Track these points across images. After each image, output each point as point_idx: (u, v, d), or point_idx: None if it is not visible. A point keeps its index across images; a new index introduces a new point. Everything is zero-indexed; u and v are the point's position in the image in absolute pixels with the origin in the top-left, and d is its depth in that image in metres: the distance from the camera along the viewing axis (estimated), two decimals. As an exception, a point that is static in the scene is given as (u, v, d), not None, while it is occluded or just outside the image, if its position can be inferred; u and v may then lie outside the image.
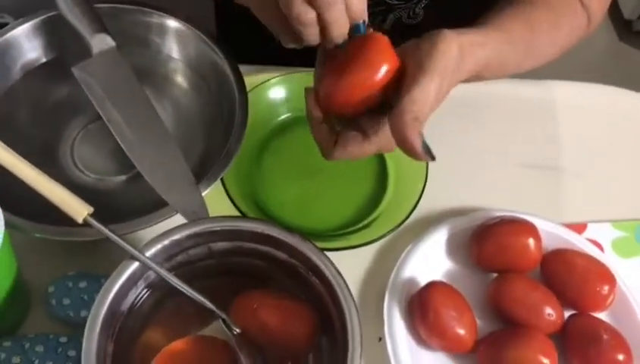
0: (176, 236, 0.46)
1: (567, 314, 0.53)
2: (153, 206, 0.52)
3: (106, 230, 0.45)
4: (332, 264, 0.46)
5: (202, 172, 0.54)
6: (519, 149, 0.65)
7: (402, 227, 0.57)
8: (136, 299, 0.46)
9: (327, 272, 0.46)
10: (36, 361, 0.48)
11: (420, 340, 0.53)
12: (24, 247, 0.49)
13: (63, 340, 0.49)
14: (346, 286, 0.45)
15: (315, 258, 0.46)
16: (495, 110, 0.67)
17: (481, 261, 0.56)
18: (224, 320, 0.46)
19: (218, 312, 0.46)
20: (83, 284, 0.52)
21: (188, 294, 0.45)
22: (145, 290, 0.47)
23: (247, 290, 0.48)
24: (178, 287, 0.45)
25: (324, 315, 0.46)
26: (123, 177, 0.59)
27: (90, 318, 0.42)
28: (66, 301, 0.51)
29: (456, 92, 0.68)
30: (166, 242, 0.46)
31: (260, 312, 0.47)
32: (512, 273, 0.54)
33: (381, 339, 0.53)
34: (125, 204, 0.57)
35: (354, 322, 0.44)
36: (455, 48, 0.46)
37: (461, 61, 0.47)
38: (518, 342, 0.50)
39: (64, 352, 0.49)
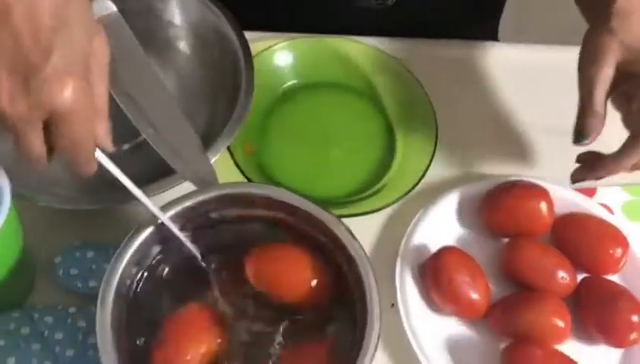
0: (188, 202, 0.45)
1: (580, 277, 0.53)
2: (159, 175, 0.51)
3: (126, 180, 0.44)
4: (348, 229, 0.46)
5: (208, 141, 0.53)
6: (529, 115, 0.64)
7: (411, 194, 0.57)
8: (148, 264, 0.45)
9: (342, 237, 0.45)
10: (46, 332, 0.47)
11: (433, 306, 0.52)
12: (30, 218, 0.48)
13: (72, 310, 0.49)
14: (363, 251, 0.45)
15: (330, 224, 0.45)
16: (507, 75, 0.67)
17: (493, 226, 0.56)
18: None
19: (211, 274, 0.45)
20: (90, 254, 0.51)
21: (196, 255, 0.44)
22: (157, 256, 0.46)
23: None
24: (187, 244, 0.44)
25: (341, 281, 0.46)
26: (125, 146, 0.58)
27: (103, 284, 0.42)
28: (74, 271, 0.50)
29: (464, 57, 0.68)
30: (179, 208, 0.45)
31: (260, 261, 0.47)
32: (524, 237, 0.54)
33: (393, 305, 0.52)
34: (129, 173, 0.56)
35: (372, 286, 0.43)
36: None
37: None
38: (531, 305, 0.50)
39: (74, 322, 0.48)
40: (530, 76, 0.67)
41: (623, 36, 0.51)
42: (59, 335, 0.47)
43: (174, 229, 0.45)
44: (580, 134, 0.53)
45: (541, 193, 0.54)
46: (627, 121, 0.54)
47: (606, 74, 0.52)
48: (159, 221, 0.45)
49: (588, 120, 0.52)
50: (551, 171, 0.60)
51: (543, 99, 0.65)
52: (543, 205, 0.54)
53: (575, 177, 0.54)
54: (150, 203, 0.44)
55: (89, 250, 0.51)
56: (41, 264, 0.51)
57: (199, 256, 0.46)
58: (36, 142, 0.38)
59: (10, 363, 0.45)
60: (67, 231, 0.53)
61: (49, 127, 0.37)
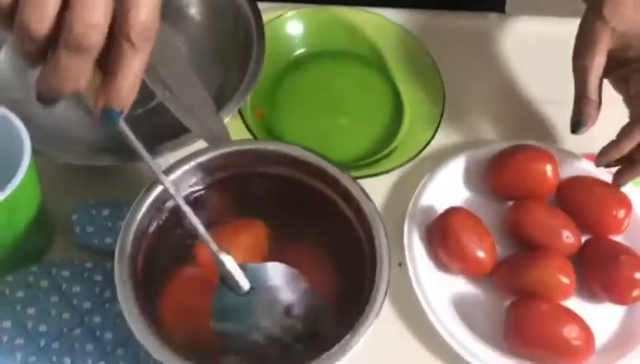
0: (202, 158, 0.46)
1: (584, 239, 0.54)
2: (171, 138, 0.52)
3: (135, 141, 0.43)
4: (358, 183, 0.47)
5: (220, 104, 0.54)
6: (536, 85, 0.65)
7: (419, 158, 0.58)
8: (163, 219, 0.47)
9: (353, 191, 0.46)
10: (64, 285, 0.49)
11: (440, 265, 0.54)
12: (47, 176, 0.49)
13: (88, 265, 0.50)
14: (373, 204, 0.46)
15: (343, 179, 0.47)
16: (515, 46, 0.68)
17: (498, 188, 0.57)
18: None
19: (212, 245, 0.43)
20: (106, 212, 0.52)
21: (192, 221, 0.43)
22: (172, 211, 0.47)
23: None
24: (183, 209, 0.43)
25: (352, 238, 0.47)
26: (138, 111, 0.59)
27: (121, 235, 0.43)
28: (90, 229, 0.51)
29: (472, 28, 0.69)
30: (192, 163, 0.46)
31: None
32: (529, 199, 0.55)
33: (401, 264, 0.54)
34: (142, 136, 0.57)
35: (382, 242, 0.45)
36: None
37: None
38: (536, 262, 0.51)
39: (91, 277, 0.49)
40: (537, 48, 0.68)
41: (615, 23, 0.53)
42: (76, 288, 0.49)
43: (172, 190, 0.43)
44: (577, 122, 0.55)
45: (546, 156, 0.56)
46: (627, 104, 0.56)
47: (598, 63, 0.54)
48: (172, 178, 0.46)
49: (583, 108, 0.55)
50: (556, 140, 0.62)
51: (550, 70, 0.66)
52: (548, 168, 0.55)
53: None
54: (152, 162, 0.43)
55: (104, 208, 0.52)
56: (58, 221, 0.53)
57: (199, 226, 0.43)
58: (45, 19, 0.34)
59: (30, 313, 0.47)
60: (82, 190, 0.54)
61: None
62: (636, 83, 0.54)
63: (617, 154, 0.54)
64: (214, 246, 0.42)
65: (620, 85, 0.56)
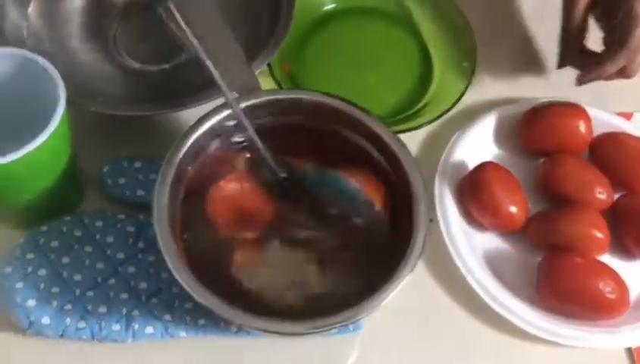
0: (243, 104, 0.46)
1: (616, 196, 0.54)
2: (200, 91, 0.52)
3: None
4: (394, 134, 0.47)
5: (249, 57, 0.54)
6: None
7: (448, 115, 0.57)
8: (201, 161, 0.47)
9: (393, 145, 0.46)
10: (97, 235, 0.49)
11: (471, 220, 0.53)
12: (77, 128, 0.48)
13: (121, 217, 0.50)
14: (410, 155, 0.46)
15: (379, 130, 0.47)
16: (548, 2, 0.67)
17: (530, 144, 0.56)
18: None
19: (263, 150, 0.47)
20: (137, 164, 0.52)
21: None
22: (210, 153, 0.47)
23: None
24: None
25: (388, 191, 0.47)
26: (166, 66, 0.59)
27: (159, 178, 0.43)
28: (121, 181, 0.51)
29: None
30: (225, 113, 0.46)
31: None
32: (562, 154, 0.54)
33: (432, 220, 0.53)
34: (171, 89, 0.57)
35: (420, 193, 0.45)
36: None
37: None
38: (569, 217, 0.51)
39: (124, 228, 0.49)
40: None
41: None
42: (110, 239, 0.49)
43: (242, 117, 0.46)
44: (559, 59, 0.57)
45: (580, 112, 0.55)
46: (610, 31, 0.55)
47: None
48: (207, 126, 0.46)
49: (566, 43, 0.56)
50: (589, 96, 0.60)
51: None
52: (581, 124, 0.54)
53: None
54: (225, 87, 0.46)
55: (136, 161, 0.52)
56: (88, 174, 0.53)
57: (259, 144, 0.47)
58: None
59: (65, 263, 0.47)
60: (113, 143, 0.54)
61: None
62: (624, 4, 0.53)
63: (599, 77, 0.55)
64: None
65: (604, 17, 0.56)
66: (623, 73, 0.55)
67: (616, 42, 0.54)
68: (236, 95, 0.49)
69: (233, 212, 0.47)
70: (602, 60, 0.55)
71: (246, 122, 0.46)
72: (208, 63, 0.49)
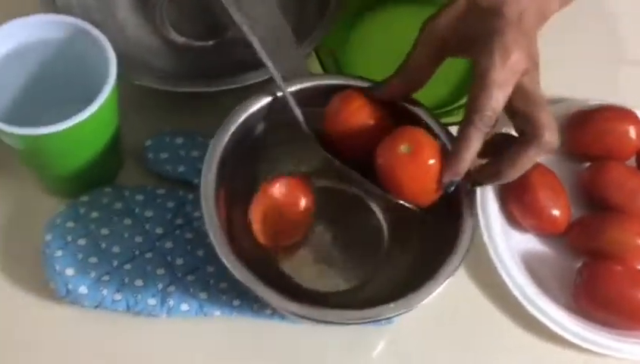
0: (293, 88, 0.46)
1: (662, 205, 0.53)
2: (241, 71, 0.51)
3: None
4: (441, 124, 0.47)
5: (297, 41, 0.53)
6: (620, 43, 0.63)
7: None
8: (250, 139, 0.46)
9: (435, 129, 0.46)
10: (136, 209, 0.49)
11: (512, 220, 0.52)
12: (123, 98, 0.48)
13: (161, 191, 0.50)
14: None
15: (428, 119, 0.47)
16: (600, 5, 0.65)
17: (577, 147, 0.55)
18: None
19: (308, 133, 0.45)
20: (179, 140, 0.52)
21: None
22: (258, 133, 0.47)
23: None
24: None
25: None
26: (210, 42, 0.58)
27: (206, 160, 0.43)
28: (163, 155, 0.51)
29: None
30: (279, 93, 0.45)
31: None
32: (609, 159, 0.53)
33: (471, 216, 0.53)
34: (216, 66, 0.56)
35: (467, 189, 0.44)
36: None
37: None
38: (614, 224, 0.50)
39: (163, 203, 0.49)
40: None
41: None
42: (149, 213, 0.49)
43: (290, 99, 0.45)
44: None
45: (631, 117, 0.54)
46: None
47: None
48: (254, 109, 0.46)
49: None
50: (634, 100, 0.59)
51: (632, 27, 0.64)
52: (631, 129, 0.53)
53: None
54: (273, 69, 0.46)
55: (178, 136, 0.52)
56: (131, 146, 0.52)
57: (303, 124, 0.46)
58: None
59: (104, 234, 0.47)
60: (156, 117, 0.54)
61: None
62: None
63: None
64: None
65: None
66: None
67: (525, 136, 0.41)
68: (283, 78, 0.49)
69: (274, 224, 0.47)
70: (504, 163, 0.42)
71: (292, 103, 0.46)
72: (256, 43, 0.49)
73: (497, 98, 0.40)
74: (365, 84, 0.48)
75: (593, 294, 0.48)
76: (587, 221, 0.51)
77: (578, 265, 0.50)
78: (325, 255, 0.49)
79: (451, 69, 0.60)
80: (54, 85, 0.48)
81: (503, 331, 0.50)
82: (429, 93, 0.58)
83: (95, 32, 0.45)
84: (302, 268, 0.48)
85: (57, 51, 0.46)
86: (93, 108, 0.42)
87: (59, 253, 0.46)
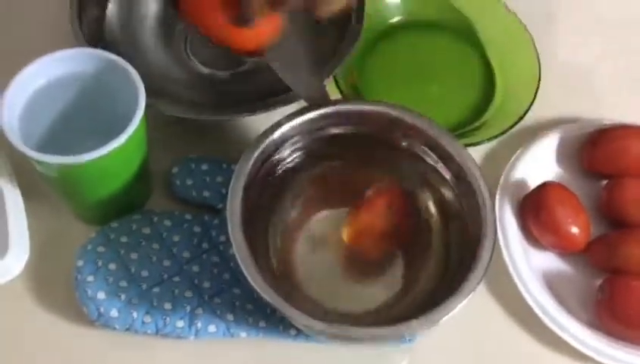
0: (309, 115, 0.47)
1: (681, 222, 0.53)
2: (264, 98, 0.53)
3: None
4: (458, 142, 0.48)
5: (317, 67, 0.55)
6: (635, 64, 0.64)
7: (510, 133, 0.57)
8: (273, 165, 0.48)
9: (451, 150, 0.47)
10: (165, 234, 0.50)
11: (531, 239, 0.53)
12: (150, 128, 0.50)
13: (188, 217, 0.51)
14: (474, 162, 0.47)
15: (440, 136, 0.48)
16: (613, 17, 0.66)
17: (595, 165, 0.56)
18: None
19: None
20: (205, 166, 0.53)
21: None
22: (282, 159, 0.49)
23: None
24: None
25: (450, 204, 0.48)
26: (227, 74, 0.60)
27: (233, 180, 0.44)
28: (189, 182, 0.53)
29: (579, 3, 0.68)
30: (299, 120, 0.47)
31: None
32: (628, 177, 0.54)
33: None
34: (239, 95, 0.58)
35: (487, 207, 0.45)
36: None
37: None
38: (634, 241, 0.50)
39: (190, 228, 0.51)
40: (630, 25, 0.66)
41: None
42: (176, 238, 0.50)
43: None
44: None
45: (647, 135, 0.54)
46: None
47: None
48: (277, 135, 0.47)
49: None
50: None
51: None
52: (648, 147, 0.54)
53: None
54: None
55: (203, 163, 0.54)
56: (157, 173, 0.54)
57: None
58: None
59: (133, 258, 0.49)
60: (181, 145, 0.55)
61: None
62: None
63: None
64: None
65: None
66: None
67: None
68: (305, 104, 0.50)
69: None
70: None
71: None
72: (279, 71, 0.51)
73: None
74: (385, 108, 0.49)
75: (614, 311, 0.49)
76: (607, 238, 0.52)
77: (599, 282, 0.51)
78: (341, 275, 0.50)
79: (465, 93, 0.62)
80: (80, 115, 0.50)
81: (523, 348, 0.50)
82: (443, 116, 0.59)
83: (125, 64, 0.46)
84: (321, 288, 0.49)
85: (85, 83, 0.48)
86: (120, 140, 0.43)
87: (91, 278, 0.47)
